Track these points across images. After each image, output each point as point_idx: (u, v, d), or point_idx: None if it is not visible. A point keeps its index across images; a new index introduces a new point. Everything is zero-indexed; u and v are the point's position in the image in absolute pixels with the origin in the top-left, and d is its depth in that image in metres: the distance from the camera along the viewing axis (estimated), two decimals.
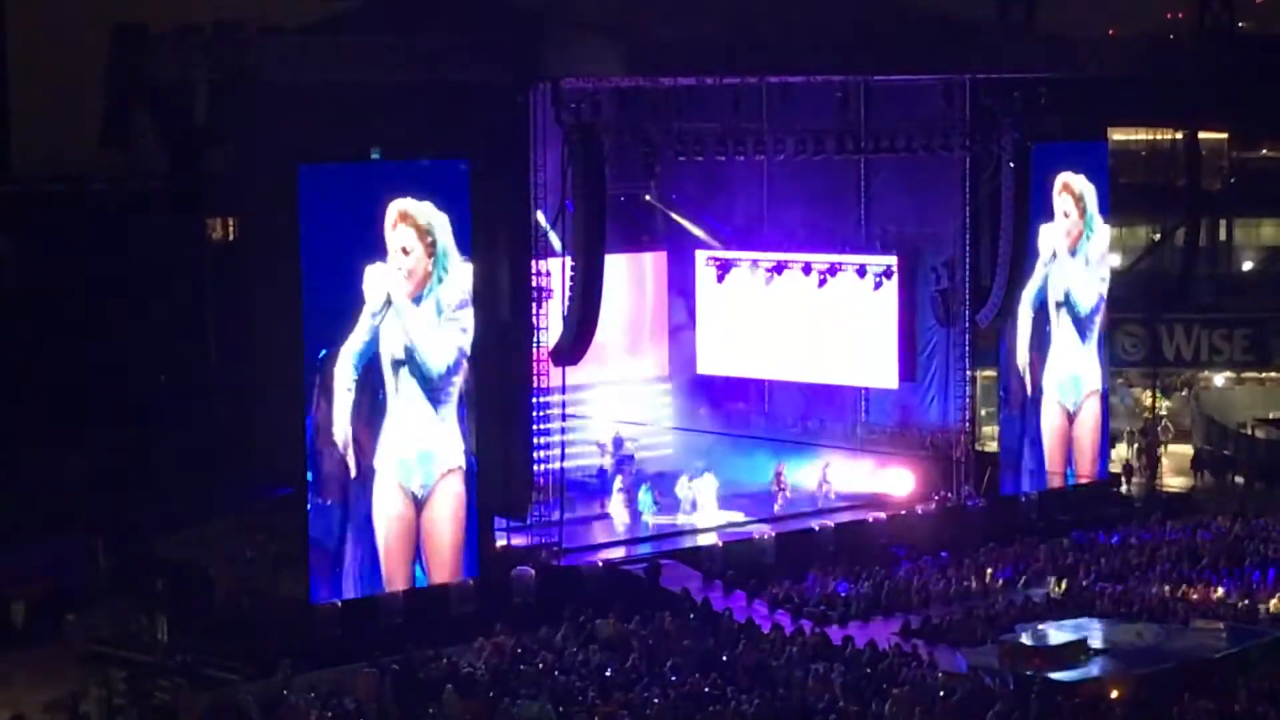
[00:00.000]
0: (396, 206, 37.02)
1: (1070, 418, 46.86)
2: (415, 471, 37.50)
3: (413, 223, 37.19)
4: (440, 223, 37.48)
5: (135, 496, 40.10)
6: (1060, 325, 46.57)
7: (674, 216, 47.01)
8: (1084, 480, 47.07)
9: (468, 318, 37.88)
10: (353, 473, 36.82)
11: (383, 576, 37.20)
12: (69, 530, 39.39)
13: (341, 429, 36.69)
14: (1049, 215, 46.01)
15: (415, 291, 37.36)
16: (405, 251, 37.19)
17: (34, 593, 38.14)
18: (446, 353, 37.72)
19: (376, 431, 37.06)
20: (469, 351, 37.91)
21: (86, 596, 38.18)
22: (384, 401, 37.15)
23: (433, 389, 37.58)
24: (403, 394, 37.33)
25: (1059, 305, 46.50)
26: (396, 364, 37.27)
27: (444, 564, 37.94)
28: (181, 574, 38.11)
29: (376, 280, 36.89)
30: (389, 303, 37.02)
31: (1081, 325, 47.01)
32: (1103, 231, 47.30)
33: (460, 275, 37.78)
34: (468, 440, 37.96)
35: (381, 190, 37.21)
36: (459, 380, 37.86)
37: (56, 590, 38.30)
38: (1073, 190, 46.57)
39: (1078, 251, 46.80)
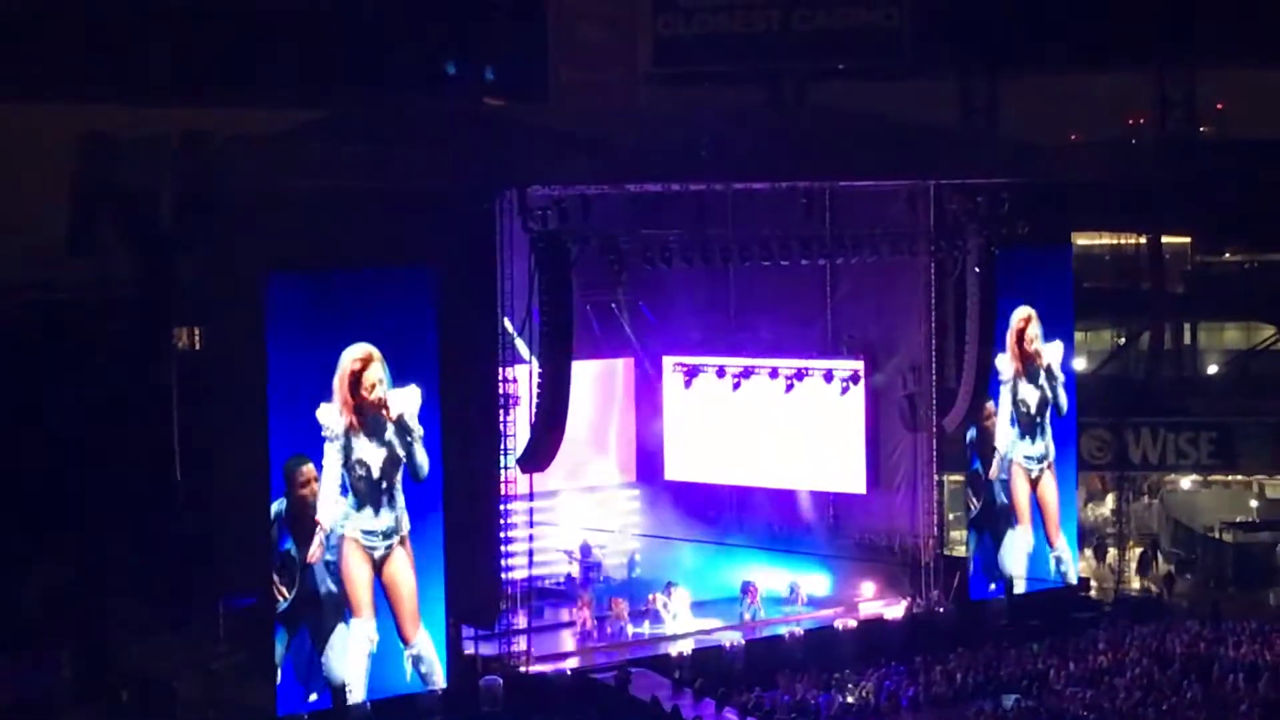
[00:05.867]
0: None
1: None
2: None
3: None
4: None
5: (99, 607, 39.85)
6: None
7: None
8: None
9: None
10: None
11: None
12: (33, 641, 39.09)
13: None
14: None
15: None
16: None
17: None
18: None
19: None
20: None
21: (50, 708, 37.82)
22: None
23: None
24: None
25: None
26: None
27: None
28: (146, 685, 37.80)
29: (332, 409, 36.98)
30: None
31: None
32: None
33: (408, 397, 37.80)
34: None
35: (349, 298, 37.32)
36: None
37: (20, 702, 37.93)
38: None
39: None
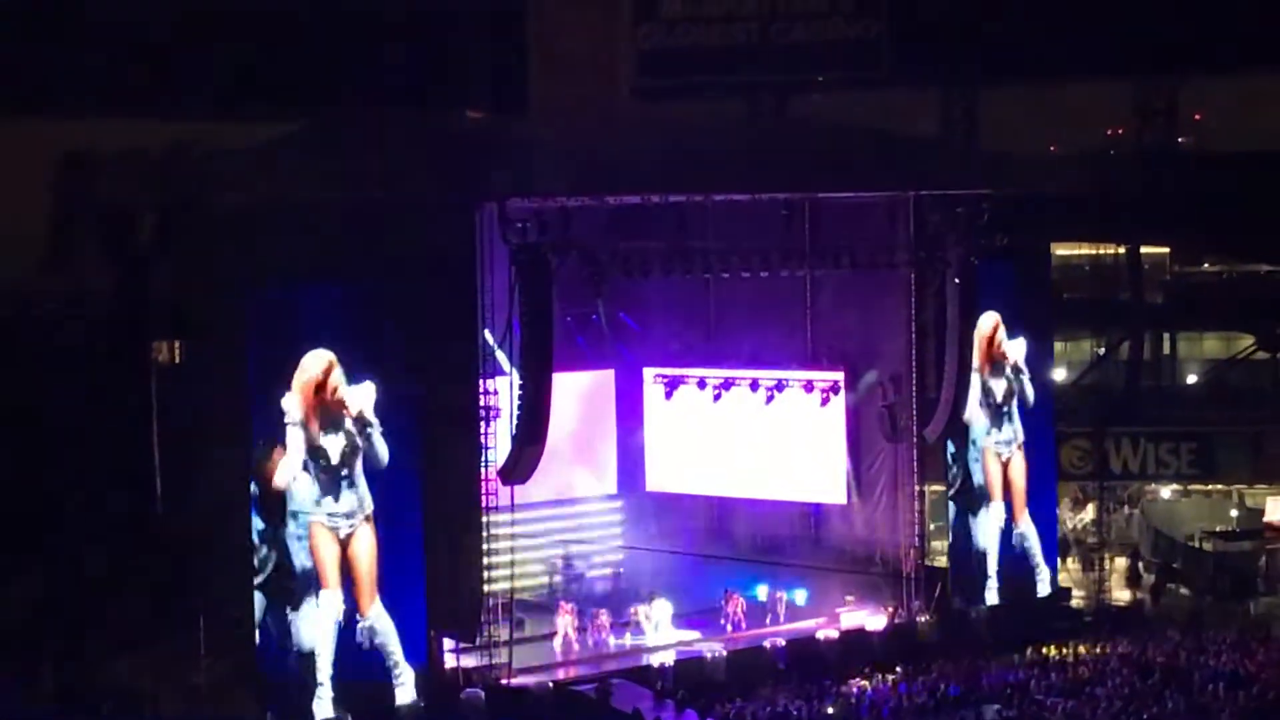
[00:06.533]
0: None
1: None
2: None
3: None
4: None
5: (80, 621, 39.77)
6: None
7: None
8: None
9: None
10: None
11: None
12: (13, 655, 38.99)
13: None
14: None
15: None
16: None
17: None
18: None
19: None
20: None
21: None
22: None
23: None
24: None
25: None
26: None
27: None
28: (128, 699, 37.74)
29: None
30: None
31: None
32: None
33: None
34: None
35: (329, 310, 37.43)
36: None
37: (1, 717, 37.84)
38: None
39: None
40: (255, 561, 37.41)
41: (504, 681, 39.46)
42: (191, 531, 40.03)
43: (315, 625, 37.64)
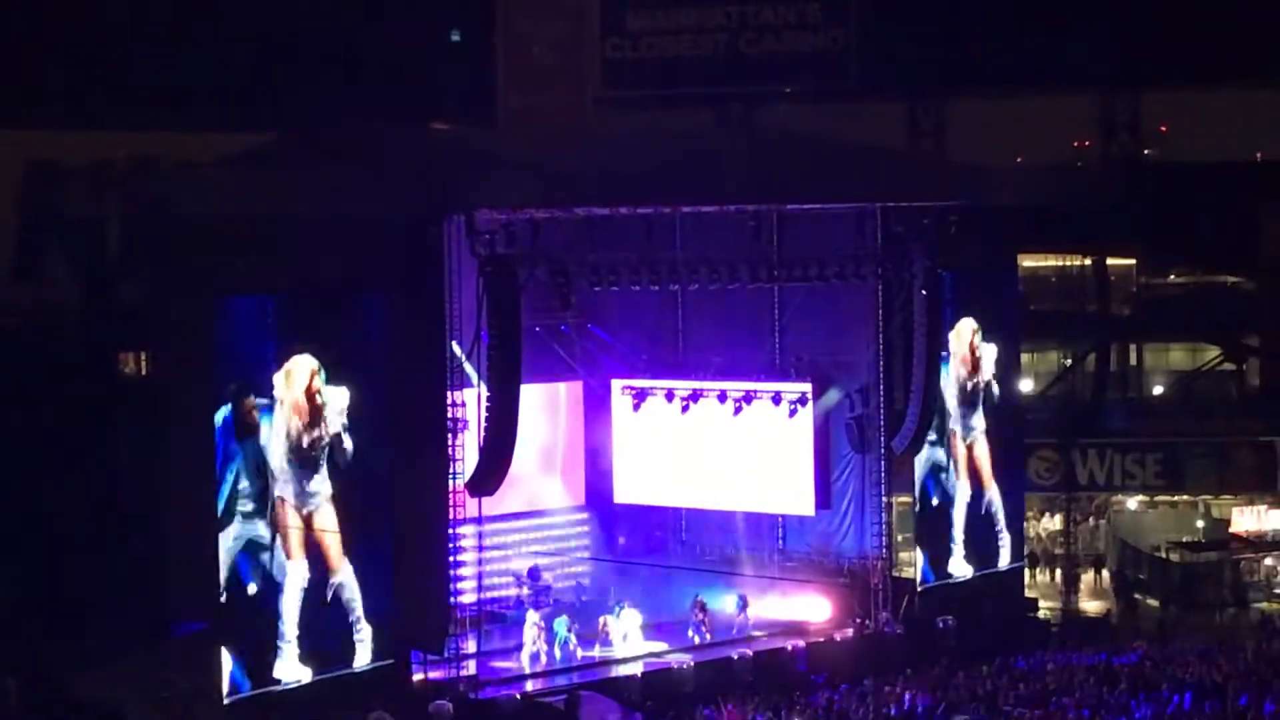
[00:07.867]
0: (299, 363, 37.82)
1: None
2: None
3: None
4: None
5: (47, 633, 39.61)
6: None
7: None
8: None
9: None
10: None
11: None
12: None
13: None
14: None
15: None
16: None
17: None
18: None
19: None
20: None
21: None
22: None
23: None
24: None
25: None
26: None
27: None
28: (95, 713, 37.58)
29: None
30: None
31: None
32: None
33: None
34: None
35: (296, 322, 37.38)
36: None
37: None
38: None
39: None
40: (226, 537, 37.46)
41: (471, 694, 39.39)
42: (158, 544, 39.92)
43: (281, 593, 37.79)
